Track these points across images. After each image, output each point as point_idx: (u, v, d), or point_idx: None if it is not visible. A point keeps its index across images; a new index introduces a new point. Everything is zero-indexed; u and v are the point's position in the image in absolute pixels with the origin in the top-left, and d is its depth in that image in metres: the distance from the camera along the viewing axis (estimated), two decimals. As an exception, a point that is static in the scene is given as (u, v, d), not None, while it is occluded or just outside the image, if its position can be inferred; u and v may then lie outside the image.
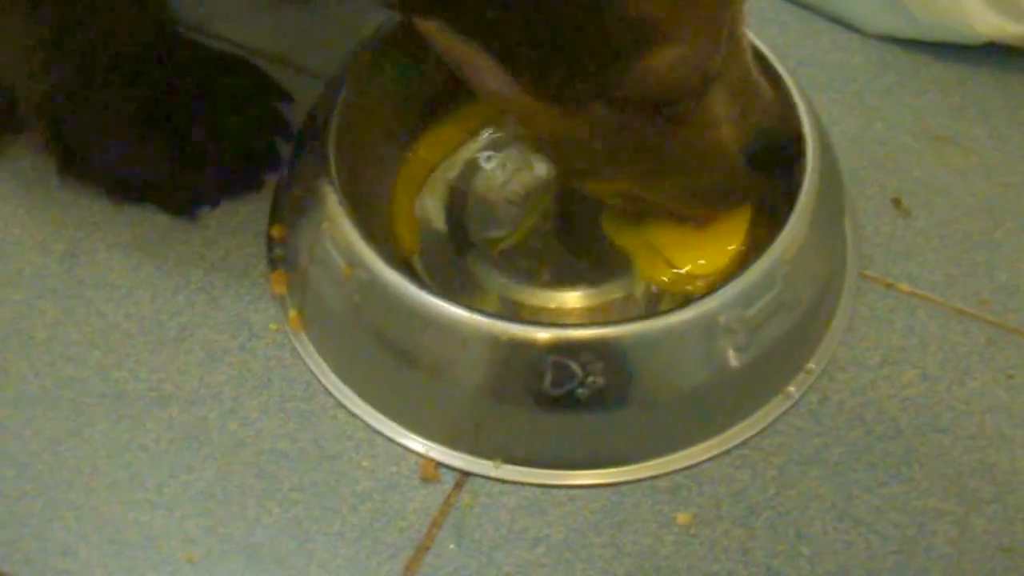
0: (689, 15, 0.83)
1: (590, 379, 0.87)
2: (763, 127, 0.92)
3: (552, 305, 1.00)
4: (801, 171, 0.94)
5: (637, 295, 1.00)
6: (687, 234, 0.99)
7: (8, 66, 1.01)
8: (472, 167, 1.07)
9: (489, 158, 1.07)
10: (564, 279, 1.01)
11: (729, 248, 0.99)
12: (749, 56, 0.91)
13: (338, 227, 0.93)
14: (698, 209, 0.97)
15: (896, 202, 1.07)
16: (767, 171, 0.94)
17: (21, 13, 0.97)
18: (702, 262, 0.99)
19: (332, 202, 0.94)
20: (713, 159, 0.92)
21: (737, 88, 0.90)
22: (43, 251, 1.05)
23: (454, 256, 1.03)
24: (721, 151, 0.92)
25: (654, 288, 1.00)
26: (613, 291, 1.00)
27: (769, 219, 0.98)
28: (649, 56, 0.83)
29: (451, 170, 1.07)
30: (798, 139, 0.96)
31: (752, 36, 1.00)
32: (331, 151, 0.97)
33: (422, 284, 0.90)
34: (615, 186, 0.96)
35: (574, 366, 0.87)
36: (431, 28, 0.87)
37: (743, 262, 0.95)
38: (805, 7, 1.21)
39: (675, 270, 0.99)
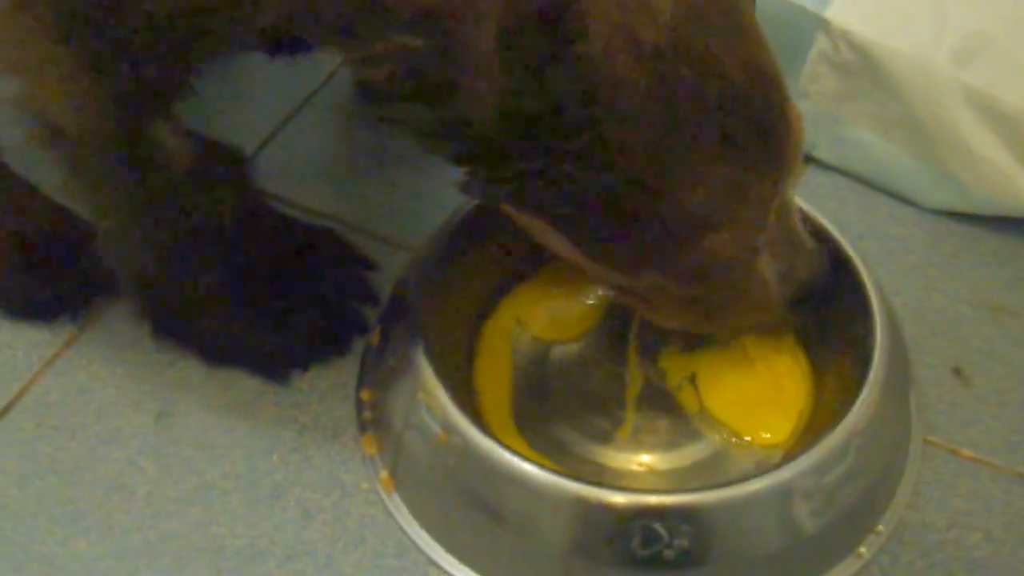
0: (740, 206, 0.89)
1: (676, 541, 0.91)
2: (806, 277, 0.98)
3: (636, 467, 1.03)
4: (871, 345, 0.99)
5: (716, 453, 1.04)
6: (750, 405, 1.05)
7: (104, 236, 1.05)
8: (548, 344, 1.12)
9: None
10: (648, 441, 1.05)
11: (791, 414, 1.05)
12: (795, 215, 0.97)
13: (434, 398, 0.97)
14: (730, 336, 1.04)
15: (957, 371, 1.10)
16: (805, 310, 1.00)
17: (120, 195, 1.02)
18: (767, 435, 1.04)
19: (428, 374, 0.98)
20: (758, 310, 0.99)
21: (783, 247, 0.96)
22: (140, 411, 1.08)
23: (539, 419, 1.06)
24: (767, 304, 0.98)
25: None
26: (696, 452, 1.04)
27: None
28: (703, 239, 0.89)
29: (531, 326, 1.12)
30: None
31: (814, 212, 1.05)
32: (422, 324, 1.01)
33: (514, 451, 0.94)
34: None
35: (661, 529, 0.90)
36: (505, 207, 0.94)
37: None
38: (863, 182, 1.25)
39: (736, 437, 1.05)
